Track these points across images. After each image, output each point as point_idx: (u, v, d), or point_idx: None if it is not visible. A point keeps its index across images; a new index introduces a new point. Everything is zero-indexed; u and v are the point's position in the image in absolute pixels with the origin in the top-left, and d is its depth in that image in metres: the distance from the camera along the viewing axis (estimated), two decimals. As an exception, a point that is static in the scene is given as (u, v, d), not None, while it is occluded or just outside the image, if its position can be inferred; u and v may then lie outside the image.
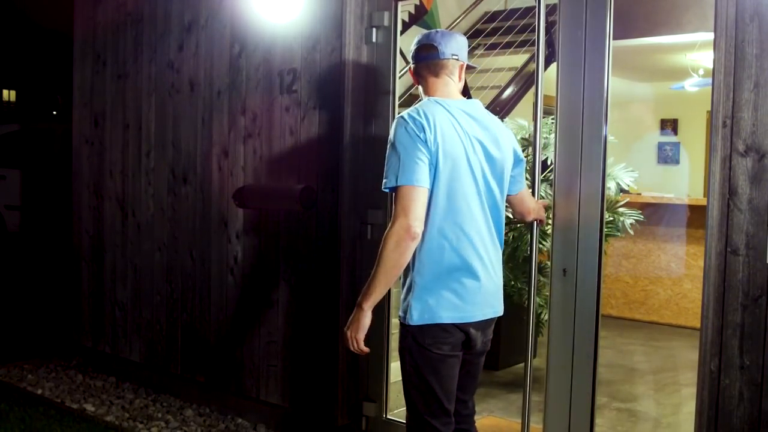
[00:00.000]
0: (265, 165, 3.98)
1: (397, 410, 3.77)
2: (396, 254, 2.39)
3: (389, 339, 3.66)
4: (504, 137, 2.65)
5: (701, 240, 4.46)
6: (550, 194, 3.97)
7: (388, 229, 2.40)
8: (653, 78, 9.00)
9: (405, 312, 2.54)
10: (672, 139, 9.82)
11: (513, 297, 4.64)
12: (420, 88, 2.65)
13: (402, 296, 2.58)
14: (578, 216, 3.06)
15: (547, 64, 3.30)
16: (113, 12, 4.83)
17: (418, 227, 2.40)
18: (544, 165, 4.45)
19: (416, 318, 2.51)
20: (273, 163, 3.95)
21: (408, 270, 2.52)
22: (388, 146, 2.49)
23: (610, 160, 3.90)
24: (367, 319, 2.48)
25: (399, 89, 3.70)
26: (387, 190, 2.47)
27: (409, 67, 2.67)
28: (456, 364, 2.59)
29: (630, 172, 4.72)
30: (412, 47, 2.64)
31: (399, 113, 2.59)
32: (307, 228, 3.82)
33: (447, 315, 2.51)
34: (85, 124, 5.07)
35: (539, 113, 3.19)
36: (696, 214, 6.23)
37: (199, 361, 4.36)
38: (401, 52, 3.73)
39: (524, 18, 7.10)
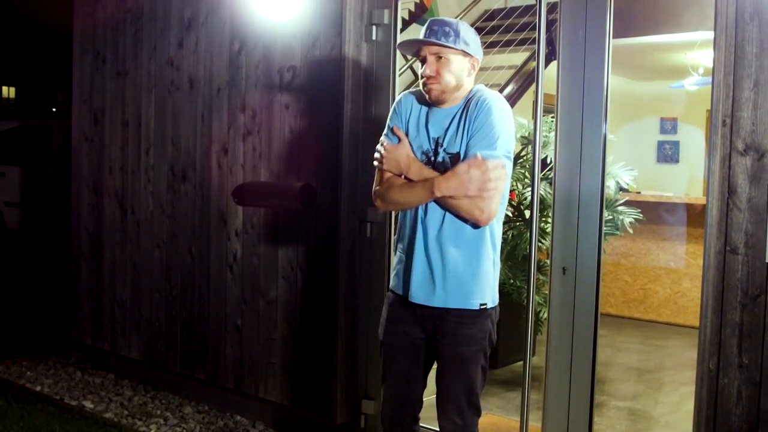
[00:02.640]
0: (264, 162, 3.98)
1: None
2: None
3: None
4: None
5: (700, 239, 4.47)
6: (549, 192, 3.98)
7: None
8: (653, 77, 8.99)
9: (493, 295, 2.55)
10: (672, 137, 9.83)
11: (512, 295, 4.64)
12: (465, 79, 2.53)
13: (479, 280, 2.50)
14: (578, 214, 3.06)
15: (547, 63, 3.31)
16: (113, 9, 4.82)
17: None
18: (544, 163, 4.44)
19: (497, 299, 2.59)
20: (272, 160, 3.95)
21: (480, 248, 2.49)
22: (495, 114, 2.45)
23: (609, 159, 3.90)
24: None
25: (399, 87, 3.69)
26: (488, 155, 2.40)
27: (476, 61, 2.56)
28: None
29: (629, 170, 4.72)
30: (477, 39, 2.56)
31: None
32: (306, 226, 3.82)
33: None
34: (85, 121, 5.07)
35: (539, 111, 3.18)
36: (695, 212, 6.23)
37: (198, 358, 4.36)
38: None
39: (524, 16, 7.08)
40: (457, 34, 2.48)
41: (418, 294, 2.53)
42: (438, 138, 2.53)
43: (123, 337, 4.82)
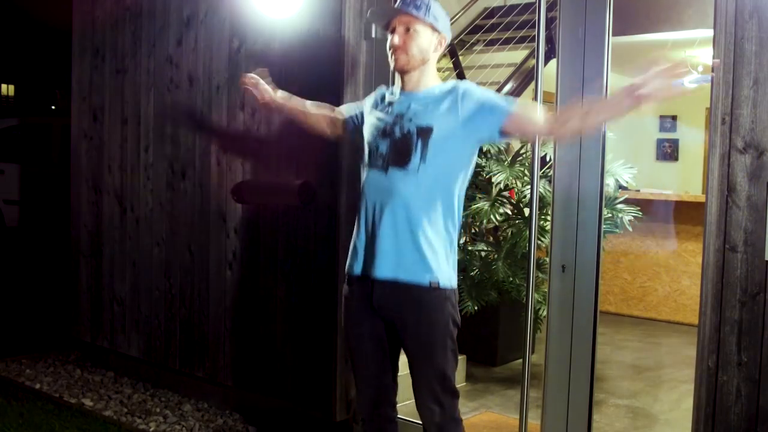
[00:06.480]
0: (263, 160, 3.98)
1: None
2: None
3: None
4: None
5: (699, 237, 4.47)
6: (549, 190, 3.97)
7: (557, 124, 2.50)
8: (653, 74, 8.98)
9: (448, 276, 2.47)
10: (671, 135, 9.83)
11: (511, 293, 4.65)
12: (430, 64, 2.56)
13: (431, 256, 2.44)
14: (577, 212, 3.07)
15: (546, 60, 3.31)
16: (112, 6, 4.82)
17: None
18: (543, 161, 4.45)
19: (455, 279, 2.51)
20: (272, 158, 3.95)
21: (435, 226, 2.44)
22: (480, 90, 2.49)
23: (608, 157, 3.89)
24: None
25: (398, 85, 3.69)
26: (507, 110, 2.43)
27: (443, 38, 2.58)
28: None
29: (629, 168, 4.72)
30: (447, 18, 2.59)
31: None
32: (305, 223, 3.82)
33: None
34: (84, 119, 5.07)
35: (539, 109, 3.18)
36: (695, 211, 6.23)
37: (197, 356, 4.36)
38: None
39: (524, 14, 7.09)
40: (428, 8, 2.51)
41: (372, 266, 2.49)
42: (403, 114, 2.52)
43: (122, 334, 4.82)
